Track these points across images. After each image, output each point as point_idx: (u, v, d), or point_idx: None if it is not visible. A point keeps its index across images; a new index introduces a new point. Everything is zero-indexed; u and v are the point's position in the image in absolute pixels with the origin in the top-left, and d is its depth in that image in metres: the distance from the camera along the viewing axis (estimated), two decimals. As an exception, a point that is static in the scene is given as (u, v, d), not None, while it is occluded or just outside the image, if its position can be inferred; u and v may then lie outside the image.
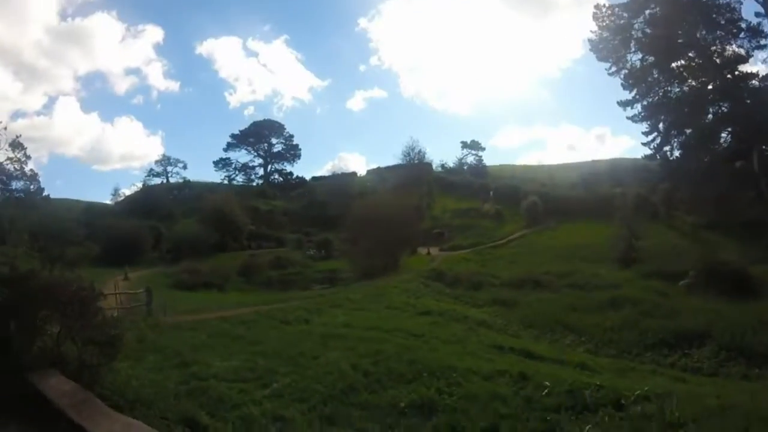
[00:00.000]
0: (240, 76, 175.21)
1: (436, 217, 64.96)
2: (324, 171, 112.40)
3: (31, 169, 69.86)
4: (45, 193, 70.99)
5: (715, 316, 21.43)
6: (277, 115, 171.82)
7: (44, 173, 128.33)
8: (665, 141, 50.15)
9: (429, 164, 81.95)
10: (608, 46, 51.16)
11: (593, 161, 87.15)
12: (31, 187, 69.02)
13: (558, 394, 9.79)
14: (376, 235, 39.87)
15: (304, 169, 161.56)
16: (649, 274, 32.44)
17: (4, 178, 66.98)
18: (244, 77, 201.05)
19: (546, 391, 9.92)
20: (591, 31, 51.98)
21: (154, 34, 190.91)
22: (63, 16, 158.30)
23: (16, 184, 68.35)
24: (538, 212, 58.26)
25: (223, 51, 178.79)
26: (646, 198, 51.87)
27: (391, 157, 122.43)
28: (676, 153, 50.27)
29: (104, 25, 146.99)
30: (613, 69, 51.70)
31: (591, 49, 52.83)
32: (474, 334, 19.06)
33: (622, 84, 51.11)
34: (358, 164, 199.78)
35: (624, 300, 25.89)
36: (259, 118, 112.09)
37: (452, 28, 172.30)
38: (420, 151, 77.94)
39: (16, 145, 66.72)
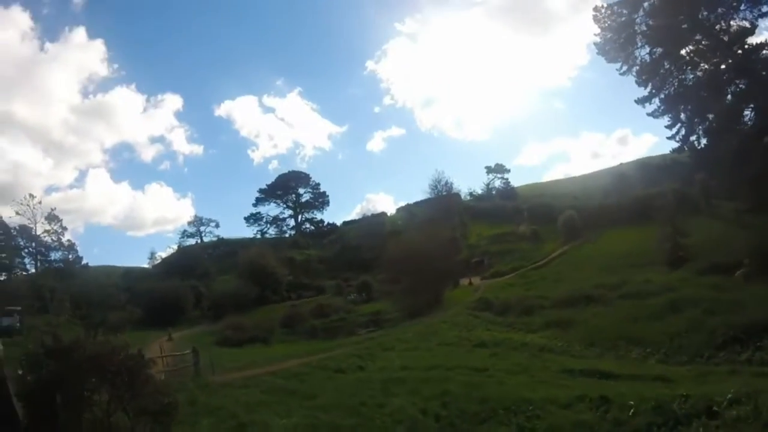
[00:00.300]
0: (260, 132, 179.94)
1: (473, 246, 64.00)
2: (354, 215, 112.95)
3: (69, 240, 73.15)
4: (83, 262, 73.67)
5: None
6: (300, 166, 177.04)
7: (81, 242, 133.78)
8: (690, 131, 48.78)
9: (457, 194, 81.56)
10: (615, 46, 50.41)
11: (620, 165, 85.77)
12: (70, 256, 71.69)
13: (645, 412, 9.18)
14: (415, 272, 39.45)
15: (334, 215, 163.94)
16: (702, 270, 31.08)
17: (43, 249, 69.72)
18: (264, 133, 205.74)
19: (632, 411, 9.25)
20: (595, 35, 51.30)
21: (173, 102, 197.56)
22: (85, 93, 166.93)
23: (54, 255, 71.47)
24: (575, 226, 56.61)
25: (240, 110, 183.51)
26: (684, 192, 50.49)
27: (418, 192, 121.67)
28: (703, 141, 48.86)
29: (125, 99, 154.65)
30: (624, 68, 50.83)
31: (598, 53, 52.04)
32: (538, 361, 18.47)
33: (635, 81, 50.11)
34: (387, 204, 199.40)
35: (683, 302, 24.85)
36: (284, 170, 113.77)
37: (458, 56, 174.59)
38: (447, 183, 77.58)
39: (51, 217, 70.02)
